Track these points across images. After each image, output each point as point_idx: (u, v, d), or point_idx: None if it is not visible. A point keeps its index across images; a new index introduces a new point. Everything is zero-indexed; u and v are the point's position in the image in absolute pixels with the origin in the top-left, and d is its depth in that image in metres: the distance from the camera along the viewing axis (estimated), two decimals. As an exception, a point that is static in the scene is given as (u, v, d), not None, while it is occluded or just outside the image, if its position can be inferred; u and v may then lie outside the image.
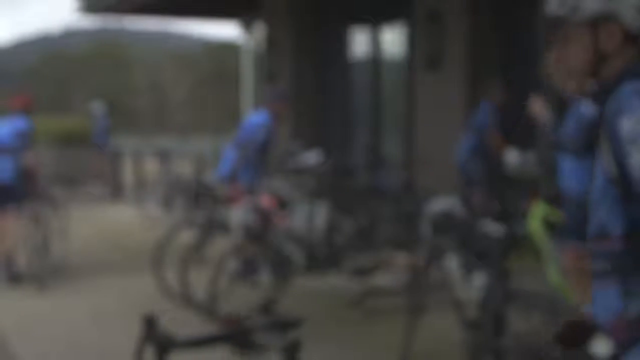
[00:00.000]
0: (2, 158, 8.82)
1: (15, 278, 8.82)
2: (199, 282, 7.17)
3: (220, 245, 8.01)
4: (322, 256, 7.64)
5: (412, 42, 10.89)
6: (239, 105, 17.58)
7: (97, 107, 18.87)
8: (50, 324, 7.14)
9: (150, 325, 3.71)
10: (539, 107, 5.44)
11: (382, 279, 7.94)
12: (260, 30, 14.90)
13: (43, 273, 8.63)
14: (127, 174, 17.41)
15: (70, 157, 18.93)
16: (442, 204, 7.93)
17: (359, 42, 12.58)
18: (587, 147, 4.55)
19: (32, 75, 55.51)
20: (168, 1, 14.21)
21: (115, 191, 17.19)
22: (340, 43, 12.89)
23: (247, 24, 16.03)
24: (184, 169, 14.99)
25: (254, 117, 8.26)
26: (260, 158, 7.91)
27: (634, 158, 1.93)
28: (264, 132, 7.91)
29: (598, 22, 2.10)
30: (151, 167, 16.42)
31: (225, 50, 47.73)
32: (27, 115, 9.21)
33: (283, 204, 7.65)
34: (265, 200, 7.55)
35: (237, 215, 7.57)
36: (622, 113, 1.96)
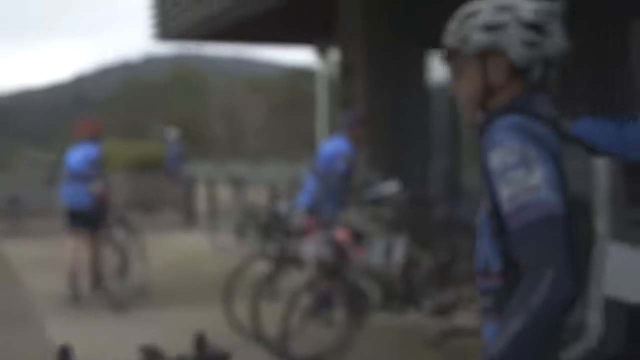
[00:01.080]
0: (76, 184, 9.15)
1: (77, 298, 9.06)
2: (271, 317, 6.88)
3: (293, 279, 7.71)
4: (400, 293, 7.26)
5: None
6: (314, 132, 17.35)
7: (171, 134, 18.87)
8: (115, 352, 6.92)
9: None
10: None
11: (463, 318, 7.51)
12: (335, 55, 14.64)
13: (122, 297, 8.82)
14: (201, 201, 17.31)
15: (145, 184, 18.96)
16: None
17: (437, 66, 12.20)
18: None
19: (112, 102, 56.54)
20: (243, 27, 14.08)
21: (189, 218, 17.08)
22: (418, 68, 12.53)
23: (322, 50, 15.80)
24: (258, 197, 14.79)
25: (332, 145, 7.98)
26: (342, 188, 7.62)
27: (502, 193, 1.93)
28: (345, 161, 7.64)
29: (486, 55, 2.11)
30: (224, 194, 16.29)
31: (300, 76, 47.82)
32: (97, 142, 9.41)
33: (359, 237, 7.30)
34: (340, 234, 7.22)
35: (311, 248, 7.26)
36: (491, 146, 1.98)
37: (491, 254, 2.03)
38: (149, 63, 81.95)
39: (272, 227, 10.36)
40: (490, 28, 2.10)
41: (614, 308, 1.85)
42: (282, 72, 56.66)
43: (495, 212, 1.99)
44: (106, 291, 9.09)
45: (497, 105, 2.12)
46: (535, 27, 2.08)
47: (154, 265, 11.23)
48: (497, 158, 1.96)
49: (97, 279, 9.31)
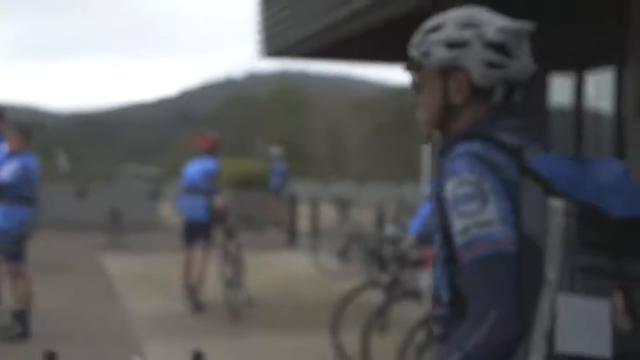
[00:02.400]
0: (194, 197, 9.59)
1: (198, 307, 9.42)
2: (381, 350, 6.38)
3: (406, 310, 7.17)
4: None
5: (620, 88, 9.74)
6: (419, 154, 16.77)
7: (275, 151, 18.61)
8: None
9: None
10: None
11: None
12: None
13: (237, 306, 9.09)
14: (303, 220, 16.96)
15: (249, 201, 18.71)
16: None
17: (558, 88, 11.49)
18: None
19: (216, 118, 57.16)
20: (347, 45, 13.69)
21: (291, 237, 16.73)
22: (538, 90, 11.84)
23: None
24: (363, 218, 14.29)
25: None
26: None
27: (455, 225, 1.87)
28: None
29: (448, 71, 2.03)
30: (327, 214, 15.89)
31: (405, 95, 47.29)
32: (215, 156, 9.80)
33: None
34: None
35: (428, 279, 6.70)
36: (448, 175, 1.92)
37: (441, 282, 1.98)
38: (253, 80, 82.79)
39: (381, 253, 9.84)
40: (453, 44, 2.02)
41: (558, 357, 1.77)
42: (387, 91, 56.20)
43: (447, 242, 1.94)
44: (226, 301, 9.28)
45: (458, 126, 2.04)
46: (499, 47, 2.01)
47: (256, 283, 10.87)
48: (452, 188, 1.90)
49: (192, 292, 9.57)
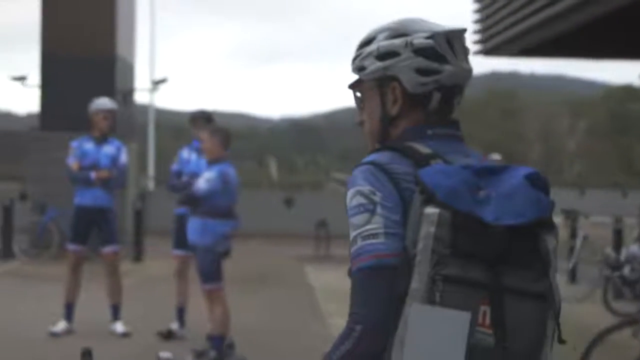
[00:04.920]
0: None
1: None
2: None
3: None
4: None
5: None
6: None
7: (495, 159, 17.31)
8: None
9: None
10: None
11: None
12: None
13: None
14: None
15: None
16: None
17: None
18: None
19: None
20: (565, 42, 12.37)
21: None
22: None
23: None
24: (590, 231, 12.67)
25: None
26: None
27: (350, 234, 1.91)
28: None
29: (383, 83, 2.04)
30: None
31: (625, 94, 44.16)
32: None
33: None
34: None
35: None
36: (349, 185, 1.96)
37: None
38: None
39: (624, 276, 8.42)
40: (383, 55, 2.03)
41: None
42: (604, 90, 52.93)
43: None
44: None
45: (395, 136, 2.05)
46: (429, 53, 2.00)
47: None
48: (348, 199, 1.93)
49: None
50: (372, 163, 1.94)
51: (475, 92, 57.71)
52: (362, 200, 1.89)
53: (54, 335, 8.05)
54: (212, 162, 7.22)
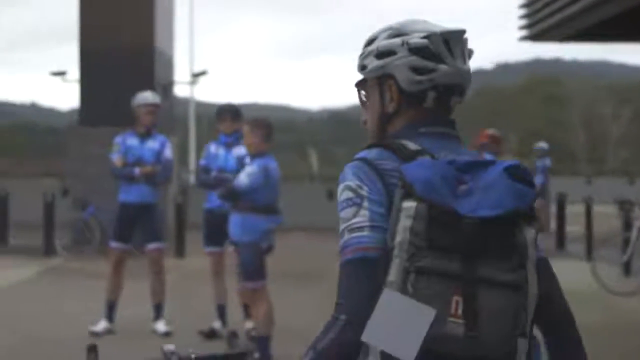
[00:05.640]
0: None
1: None
2: None
3: None
4: None
5: None
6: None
7: (542, 147, 16.90)
8: None
9: None
10: None
11: None
12: None
13: None
14: (572, 223, 15.16)
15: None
16: None
17: None
18: None
19: (464, 110, 55.53)
20: (610, 26, 11.97)
21: (559, 243, 14.97)
22: None
23: None
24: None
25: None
26: None
27: (340, 227, 1.96)
28: None
29: (382, 81, 2.11)
30: (600, 216, 14.02)
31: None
32: (492, 153, 9.62)
33: None
34: None
35: None
36: (339, 180, 2.01)
37: None
38: (502, 69, 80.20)
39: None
40: (382, 54, 2.09)
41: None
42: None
43: None
44: None
45: (391, 134, 2.11)
46: (425, 52, 2.04)
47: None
48: (339, 193, 1.99)
49: None
50: (361, 159, 2.01)
51: (518, 79, 56.92)
52: (350, 194, 1.96)
53: (95, 334, 7.89)
54: (253, 156, 6.97)
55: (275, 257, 7.32)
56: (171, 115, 16.51)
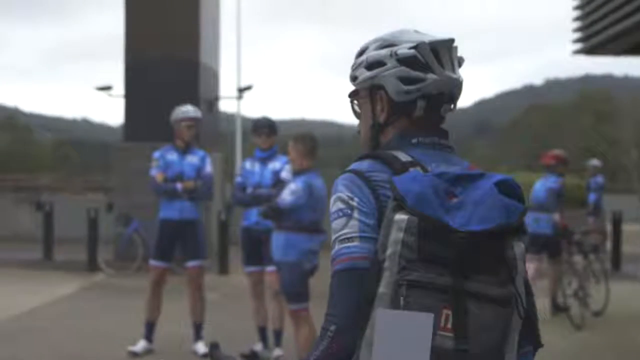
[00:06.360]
0: (540, 214, 9.99)
1: (559, 309, 9.83)
2: None
3: None
4: None
5: None
6: None
7: (594, 164, 16.41)
8: None
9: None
10: None
11: None
12: None
13: (580, 320, 9.23)
14: (628, 242, 14.63)
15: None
16: None
17: None
18: None
19: (513, 128, 54.76)
20: None
21: (615, 263, 14.46)
22: None
23: None
24: None
25: None
26: None
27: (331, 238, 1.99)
28: None
29: (372, 92, 2.13)
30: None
31: None
32: (557, 174, 10.17)
33: None
34: None
35: None
36: (332, 191, 2.04)
37: None
38: (553, 86, 79.15)
39: None
40: (372, 65, 2.11)
41: None
42: None
43: None
44: (567, 313, 9.38)
45: (383, 144, 2.13)
46: (413, 62, 2.06)
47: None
48: (331, 204, 2.01)
49: (555, 302, 10.00)
50: (352, 171, 2.03)
51: (568, 95, 55.98)
52: (341, 205, 1.98)
53: (134, 354, 7.67)
54: (297, 173, 6.71)
55: (320, 278, 7.03)
56: (216, 130, 16.34)
